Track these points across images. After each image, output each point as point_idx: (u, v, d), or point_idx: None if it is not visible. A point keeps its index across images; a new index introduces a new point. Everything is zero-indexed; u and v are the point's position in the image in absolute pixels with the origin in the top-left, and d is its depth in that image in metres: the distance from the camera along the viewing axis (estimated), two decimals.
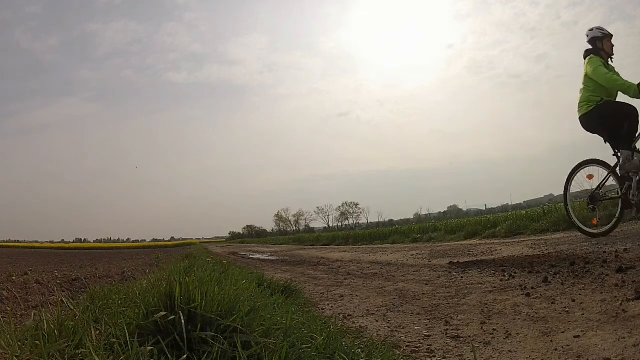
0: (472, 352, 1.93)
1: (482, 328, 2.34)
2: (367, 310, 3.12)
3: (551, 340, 1.96)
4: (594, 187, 5.45)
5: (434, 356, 1.99)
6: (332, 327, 2.18)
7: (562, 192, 5.78)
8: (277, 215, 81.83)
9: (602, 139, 5.25)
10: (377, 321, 2.76)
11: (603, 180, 5.38)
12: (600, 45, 5.30)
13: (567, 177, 5.65)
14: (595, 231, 5.26)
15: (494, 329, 2.29)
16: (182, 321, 1.51)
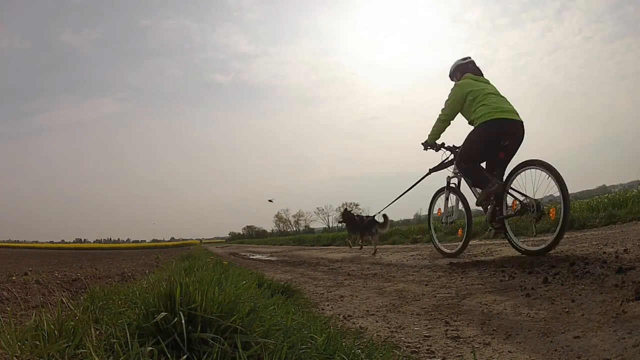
0: (472, 352, 1.93)
1: (482, 328, 2.34)
2: (367, 310, 3.12)
3: (551, 341, 1.96)
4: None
5: (434, 357, 1.99)
6: (332, 327, 2.18)
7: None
8: (277, 216, 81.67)
9: None
10: (377, 322, 2.76)
11: None
12: None
13: None
14: None
15: (494, 330, 2.29)
16: (183, 322, 1.52)
